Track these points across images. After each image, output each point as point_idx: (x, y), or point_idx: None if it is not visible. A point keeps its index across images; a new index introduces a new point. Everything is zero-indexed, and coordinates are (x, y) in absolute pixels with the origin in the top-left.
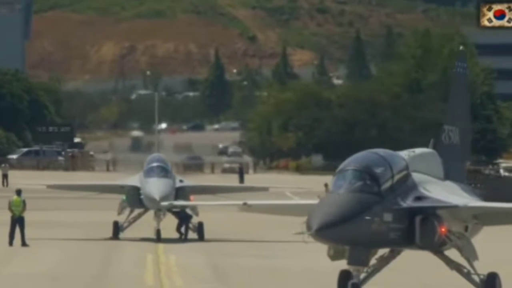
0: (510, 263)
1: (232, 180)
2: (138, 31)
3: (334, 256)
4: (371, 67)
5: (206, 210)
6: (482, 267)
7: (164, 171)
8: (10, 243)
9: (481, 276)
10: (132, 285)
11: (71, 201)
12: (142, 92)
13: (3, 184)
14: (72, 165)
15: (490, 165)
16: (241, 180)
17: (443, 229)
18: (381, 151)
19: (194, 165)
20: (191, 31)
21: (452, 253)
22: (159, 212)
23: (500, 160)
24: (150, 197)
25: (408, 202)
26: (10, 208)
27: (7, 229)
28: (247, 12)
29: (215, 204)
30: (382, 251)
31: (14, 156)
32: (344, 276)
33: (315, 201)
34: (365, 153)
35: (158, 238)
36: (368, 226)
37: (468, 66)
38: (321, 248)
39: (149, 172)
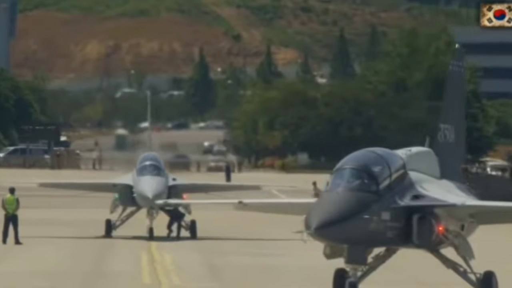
0: (507, 261)
1: (218, 178)
2: (123, 30)
3: (330, 255)
4: (355, 66)
5: (198, 208)
6: (479, 266)
7: (157, 170)
8: (4, 241)
9: (478, 275)
10: (130, 284)
11: (62, 199)
12: (127, 90)
13: None
14: (57, 163)
15: (476, 163)
16: (228, 178)
17: (440, 228)
18: (379, 149)
19: (180, 164)
20: (175, 30)
21: (448, 252)
22: (152, 210)
23: (487, 158)
24: (143, 195)
25: (406, 201)
26: (3, 206)
27: (0, 227)
28: (231, 10)
29: (211, 202)
30: (377, 250)
31: (1, 155)
32: (340, 275)
33: (311, 200)
34: (362, 152)
35: (151, 236)
36: (366, 225)
37: (463, 64)
38: (316, 246)
39: (142, 171)
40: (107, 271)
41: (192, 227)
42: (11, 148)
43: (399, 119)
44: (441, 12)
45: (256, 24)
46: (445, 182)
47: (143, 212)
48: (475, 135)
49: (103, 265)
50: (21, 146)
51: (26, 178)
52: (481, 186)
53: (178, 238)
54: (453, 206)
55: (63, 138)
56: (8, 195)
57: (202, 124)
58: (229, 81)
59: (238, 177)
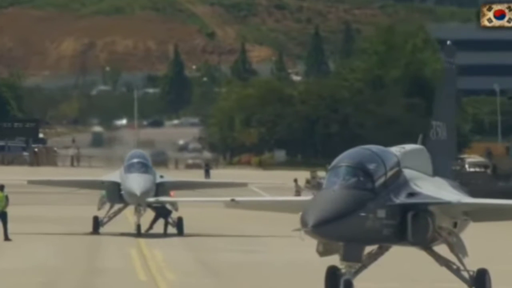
0: (500, 259)
1: (197, 175)
2: (98, 27)
3: (323, 252)
4: (330, 63)
5: (185, 205)
6: (472, 263)
7: (144, 167)
8: None
9: (471, 273)
10: (127, 281)
11: (50, 196)
12: (102, 88)
13: None
14: (36, 160)
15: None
16: (207, 175)
17: (435, 226)
18: (374, 147)
19: (158, 161)
20: (150, 28)
21: (441, 249)
22: (140, 207)
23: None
24: (131, 193)
25: (401, 199)
26: None
27: None
28: (206, 8)
29: (202, 200)
30: (369, 248)
31: None
32: (332, 272)
33: (305, 198)
34: (357, 150)
35: (139, 233)
36: (363, 223)
37: (455, 61)
38: (303, 243)
39: (129, 168)
40: (100, 268)
41: (179, 224)
42: None
43: (376, 116)
44: (416, 10)
45: (230, 21)
46: (438, 179)
47: (128, 209)
48: None
49: (96, 262)
50: (0, 143)
51: (5, 176)
52: (462, 183)
53: (165, 234)
54: (448, 203)
55: (40, 135)
56: None
57: (176, 122)
58: (204, 79)
59: (215, 174)
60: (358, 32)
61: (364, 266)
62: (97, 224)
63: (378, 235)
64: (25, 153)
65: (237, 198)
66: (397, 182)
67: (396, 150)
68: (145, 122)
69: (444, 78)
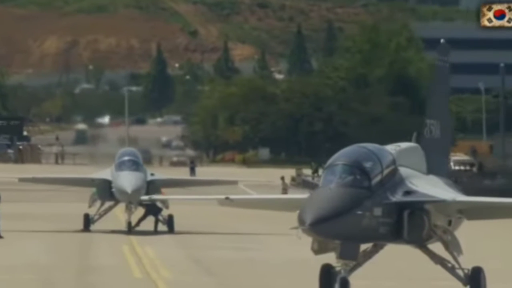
0: (495, 257)
1: (182, 173)
2: (81, 26)
3: (318, 251)
4: (312, 62)
5: (175, 203)
6: (466, 262)
7: (135, 165)
8: None
9: (466, 271)
10: (122, 278)
11: (41, 193)
12: (85, 86)
13: None
14: (20, 158)
15: None
16: (192, 173)
17: (431, 224)
18: (370, 145)
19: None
20: (133, 26)
21: (436, 248)
22: (131, 205)
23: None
24: (122, 190)
25: (398, 197)
26: None
27: None
28: (188, 7)
29: (195, 198)
30: (364, 246)
31: None
32: (327, 270)
33: (300, 196)
34: (354, 148)
35: (129, 231)
36: (360, 221)
37: (448, 59)
38: (298, 241)
39: (120, 166)
40: (94, 265)
41: (169, 221)
42: None
43: (360, 114)
44: (398, 8)
45: (213, 20)
46: (432, 177)
47: (118, 206)
48: None
49: (89, 259)
50: None
51: None
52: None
53: (156, 232)
54: (444, 202)
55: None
56: None
57: (159, 120)
58: (187, 77)
59: (200, 172)
60: (340, 30)
61: (358, 264)
62: (87, 221)
63: (374, 233)
64: (10, 151)
65: (232, 196)
66: (393, 180)
67: (391, 148)
68: (127, 120)
69: (437, 76)
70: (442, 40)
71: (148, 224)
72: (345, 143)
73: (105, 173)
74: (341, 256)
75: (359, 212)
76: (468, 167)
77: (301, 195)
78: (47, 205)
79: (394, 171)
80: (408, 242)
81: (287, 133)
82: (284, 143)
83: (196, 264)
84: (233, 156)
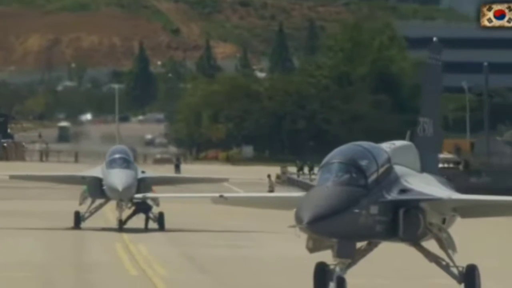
0: (489, 255)
1: (167, 170)
2: (63, 23)
3: (313, 249)
4: (294, 60)
5: (165, 201)
6: (461, 259)
7: (126, 162)
8: None
9: (460, 269)
10: (118, 275)
11: (31, 190)
12: (68, 83)
13: None
14: (5, 155)
15: None
16: (177, 171)
17: (426, 222)
18: (365, 143)
19: None
20: (115, 24)
21: (431, 245)
22: (122, 202)
23: None
24: (113, 188)
25: (393, 195)
26: None
27: None
28: (170, 5)
29: (188, 196)
30: (358, 244)
31: None
32: (321, 268)
33: (296, 194)
34: (349, 146)
35: (120, 228)
36: (356, 219)
37: (440, 58)
38: (288, 238)
39: (111, 163)
40: (89, 262)
41: (160, 219)
42: None
43: (342, 112)
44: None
45: (195, 18)
46: (426, 175)
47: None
48: None
49: (83, 256)
50: None
51: None
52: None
53: (146, 229)
54: (439, 200)
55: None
56: None
57: (142, 117)
58: (170, 75)
59: (184, 169)
60: (322, 29)
61: (353, 262)
62: (78, 219)
63: (370, 232)
64: None
65: (226, 194)
66: (389, 178)
67: (386, 146)
68: (110, 117)
69: (428, 75)
70: (434, 39)
71: (139, 221)
72: (327, 141)
73: (96, 170)
74: (338, 254)
75: (356, 211)
76: (452, 165)
77: (297, 193)
78: (38, 203)
79: (390, 169)
80: (403, 240)
81: (270, 131)
82: (268, 141)
83: (189, 262)
84: (216, 154)
